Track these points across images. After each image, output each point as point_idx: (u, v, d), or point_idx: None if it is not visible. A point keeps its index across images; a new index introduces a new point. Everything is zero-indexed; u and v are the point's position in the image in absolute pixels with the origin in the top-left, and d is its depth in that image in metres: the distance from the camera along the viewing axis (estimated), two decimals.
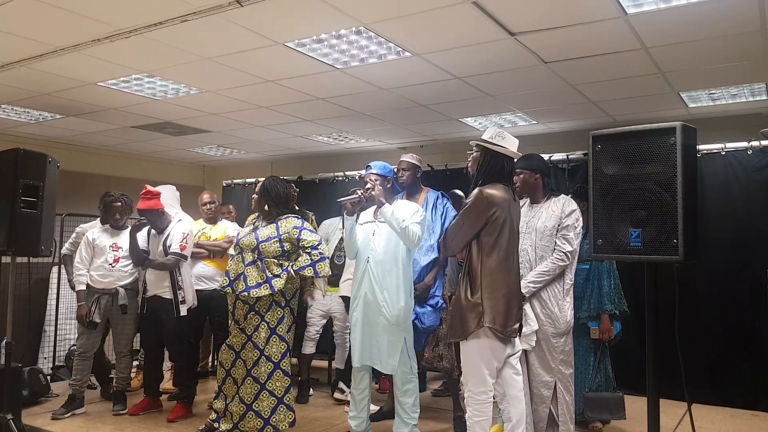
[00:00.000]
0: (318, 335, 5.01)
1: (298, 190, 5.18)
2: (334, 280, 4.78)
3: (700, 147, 4.68)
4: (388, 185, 3.72)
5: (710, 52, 3.85)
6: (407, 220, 3.40)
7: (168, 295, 4.28)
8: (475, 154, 3.04)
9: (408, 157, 4.08)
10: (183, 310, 4.27)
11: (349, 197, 3.54)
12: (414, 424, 3.56)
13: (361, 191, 3.50)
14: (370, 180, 3.64)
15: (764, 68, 4.13)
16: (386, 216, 3.39)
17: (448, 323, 3.29)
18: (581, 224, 3.44)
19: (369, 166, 3.80)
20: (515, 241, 2.98)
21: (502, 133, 2.97)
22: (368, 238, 3.59)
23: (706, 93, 4.78)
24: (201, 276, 4.71)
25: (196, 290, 4.53)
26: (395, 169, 3.97)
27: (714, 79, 4.40)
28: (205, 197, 4.99)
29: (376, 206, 3.61)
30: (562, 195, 3.57)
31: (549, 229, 3.40)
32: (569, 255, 3.35)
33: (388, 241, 3.52)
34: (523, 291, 3.21)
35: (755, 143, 4.71)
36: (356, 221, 3.63)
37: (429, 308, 3.87)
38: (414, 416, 3.55)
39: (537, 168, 3.51)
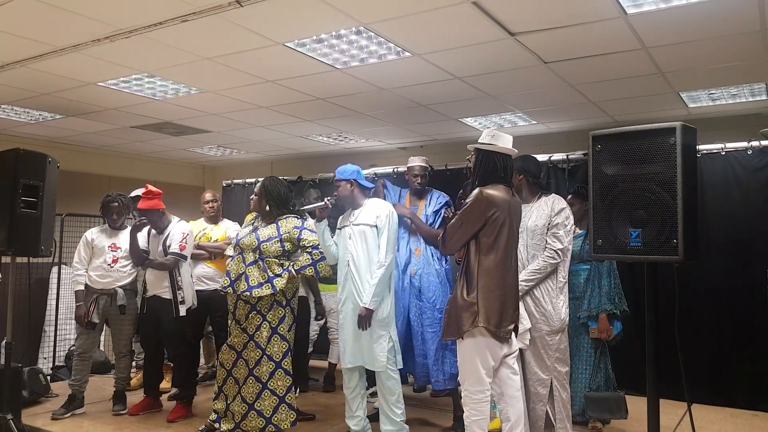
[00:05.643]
0: (316, 335, 5.15)
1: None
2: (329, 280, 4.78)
3: (700, 147, 4.67)
4: (352, 188, 3.63)
5: (710, 52, 3.85)
6: (374, 269, 3.49)
7: (167, 295, 4.28)
8: (472, 158, 3.04)
9: (420, 161, 4.07)
10: (182, 311, 4.27)
11: (314, 205, 3.63)
12: (401, 420, 3.57)
13: (328, 199, 3.59)
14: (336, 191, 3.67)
15: (764, 68, 4.14)
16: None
17: (444, 322, 3.28)
18: (572, 222, 3.47)
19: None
20: (514, 242, 2.97)
21: (492, 132, 2.97)
22: (346, 242, 3.62)
23: (706, 93, 4.78)
24: (201, 276, 4.71)
25: (197, 291, 4.52)
26: (413, 174, 4.03)
27: (714, 79, 4.40)
28: (207, 195, 4.98)
29: (350, 209, 3.68)
30: (553, 194, 3.59)
31: (540, 228, 3.43)
32: (560, 253, 3.37)
33: (363, 244, 3.55)
34: None
35: (755, 143, 4.70)
36: (327, 226, 3.65)
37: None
38: (399, 412, 3.57)
39: (520, 169, 3.50)
